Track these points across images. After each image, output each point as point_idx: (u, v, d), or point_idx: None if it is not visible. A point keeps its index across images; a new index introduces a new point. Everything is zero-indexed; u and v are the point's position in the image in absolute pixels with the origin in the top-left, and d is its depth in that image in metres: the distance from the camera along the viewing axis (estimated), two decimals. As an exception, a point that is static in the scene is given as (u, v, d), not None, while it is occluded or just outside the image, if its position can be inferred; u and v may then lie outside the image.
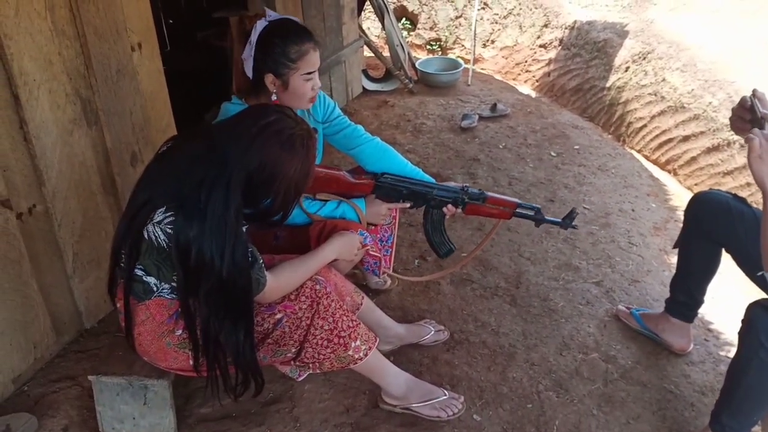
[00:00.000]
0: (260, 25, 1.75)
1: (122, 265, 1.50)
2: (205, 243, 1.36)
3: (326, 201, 1.94)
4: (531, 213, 1.98)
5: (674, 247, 2.11)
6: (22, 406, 1.93)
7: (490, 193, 1.99)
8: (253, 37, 1.74)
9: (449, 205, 1.97)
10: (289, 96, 1.81)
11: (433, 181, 2.02)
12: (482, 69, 5.24)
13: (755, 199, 2.84)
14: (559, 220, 1.99)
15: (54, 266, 2.04)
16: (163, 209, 1.37)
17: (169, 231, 1.37)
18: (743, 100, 1.60)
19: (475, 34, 4.89)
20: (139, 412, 1.77)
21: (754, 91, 1.60)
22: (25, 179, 1.88)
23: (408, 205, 2.00)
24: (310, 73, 1.79)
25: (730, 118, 1.67)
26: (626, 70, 4.06)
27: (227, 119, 1.49)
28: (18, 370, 1.98)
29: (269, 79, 1.77)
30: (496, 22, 5.31)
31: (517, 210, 1.98)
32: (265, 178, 1.45)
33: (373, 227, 2.06)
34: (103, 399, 1.77)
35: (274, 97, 1.80)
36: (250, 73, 1.78)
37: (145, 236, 1.40)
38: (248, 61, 1.76)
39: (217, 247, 1.37)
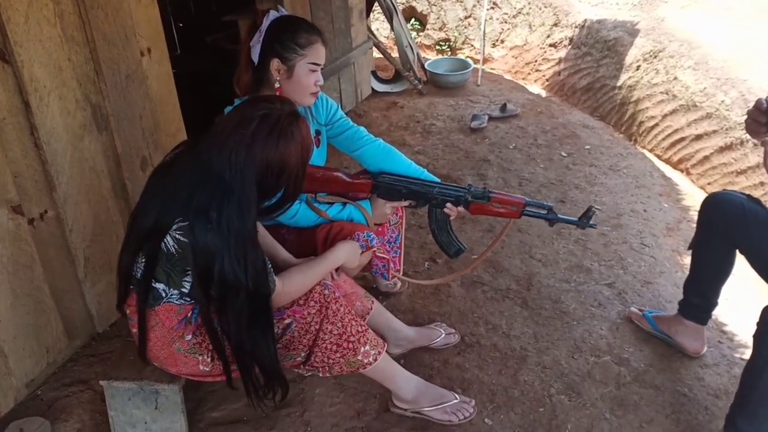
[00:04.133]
0: (273, 14, 1.79)
1: (135, 275, 1.50)
2: (226, 263, 1.37)
3: (331, 203, 1.94)
4: (543, 212, 1.96)
5: (689, 249, 2.08)
6: (35, 411, 1.95)
7: (495, 192, 1.96)
8: (264, 24, 1.77)
9: (452, 204, 1.95)
10: (292, 86, 1.81)
11: (438, 180, 2.01)
12: (492, 69, 5.22)
13: (769, 199, 2.81)
14: (575, 219, 1.95)
15: (66, 271, 2.05)
16: (176, 225, 1.38)
17: (179, 237, 1.38)
18: (758, 102, 1.58)
19: (484, 33, 4.87)
20: (150, 416, 1.78)
21: None
22: (36, 185, 1.89)
23: (409, 203, 1.99)
24: (315, 64, 1.81)
25: (746, 121, 1.65)
26: (637, 69, 4.03)
27: (214, 134, 1.45)
28: (31, 375, 2.00)
29: (275, 64, 1.78)
30: (506, 22, 5.29)
31: (526, 209, 1.96)
32: (274, 177, 1.46)
33: (379, 228, 2.06)
34: (115, 404, 1.78)
35: (277, 85, 1.81)
36: (256, 59, 1.79)
37: (162, 247, 1.41)
38: (255, 48, 1.78)
39: (239, 263, 1.38)
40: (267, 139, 1.42)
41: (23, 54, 1.75)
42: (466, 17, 5.52)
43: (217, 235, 1.36)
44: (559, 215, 1.95)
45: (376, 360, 1.71)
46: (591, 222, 1.93)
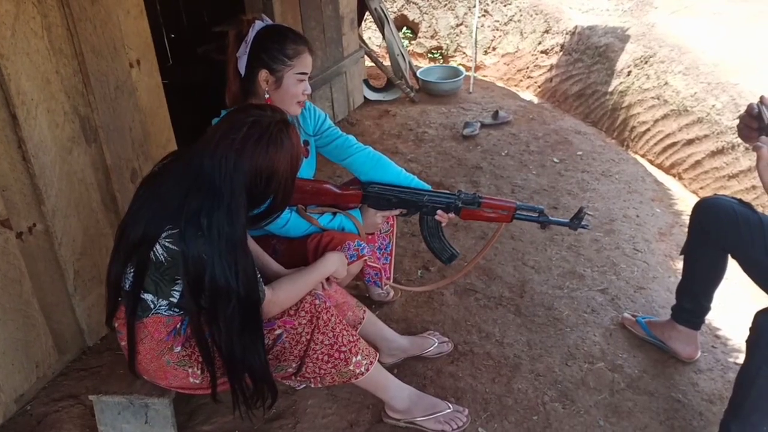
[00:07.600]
0: (258, 25, 1.78)
1: (124, 287, 1.49)
2: (217, 269, 1.36)
3: (322, 213, 1.93)
4: (534, 215, 1.95)
5: (681, 254, 2.08)
6: (25, 426, 1.93)
7: (485, 197, 1.96)
8: (250, 35, 1.76)
9: (443, 211, 1.95)
10: (280, 96, 1.81)
11: (428, 187, 2.00)
12: (484, 76, 5.24)
13: (761, 203, 2.81)
14: (567, 220, 1.94)
15: (55, 285, 2.04)
16: (165, 233, 1.37)
17: (168, 245, 1.37)
18: (750, 107, 1.57)
19: (476, 41, 4.89)
20: (140, 430, 1.76)
21: (762, 98, 1.57)
22: (24, 198, 1.88)
23: (400, 211, 1.98)
24: (303, 74, 1.81)
25: (738, 126, 1.65)
26: (628, 75, 4.05)
27: (204, 141, 1.46)
28: (20, 390, 1.98)
29: (262, 75, 1.78)
30: (497, 29, 5.31)
31: (517, 212, 1.95)
32: (263, 184, 1.46)
33: (370, 236, 2.05)
34: (105, 418, 1.76)
35: (266, 96, 1.80)
36: (242, 70, 1.78)
37: (151, 256, 1.40)
38: (242, 59, 1.78)
39: (230, 269, 1.38)
40: (256, 145, 1.42)
41: (10, 67, 1.75)
42: (457, 25, 5.54)
43: (208, 241, 1.36)
44: (551, 217, 1.95)
45: (368, 370, 1.69)
46: (583, 223, 1.92)
